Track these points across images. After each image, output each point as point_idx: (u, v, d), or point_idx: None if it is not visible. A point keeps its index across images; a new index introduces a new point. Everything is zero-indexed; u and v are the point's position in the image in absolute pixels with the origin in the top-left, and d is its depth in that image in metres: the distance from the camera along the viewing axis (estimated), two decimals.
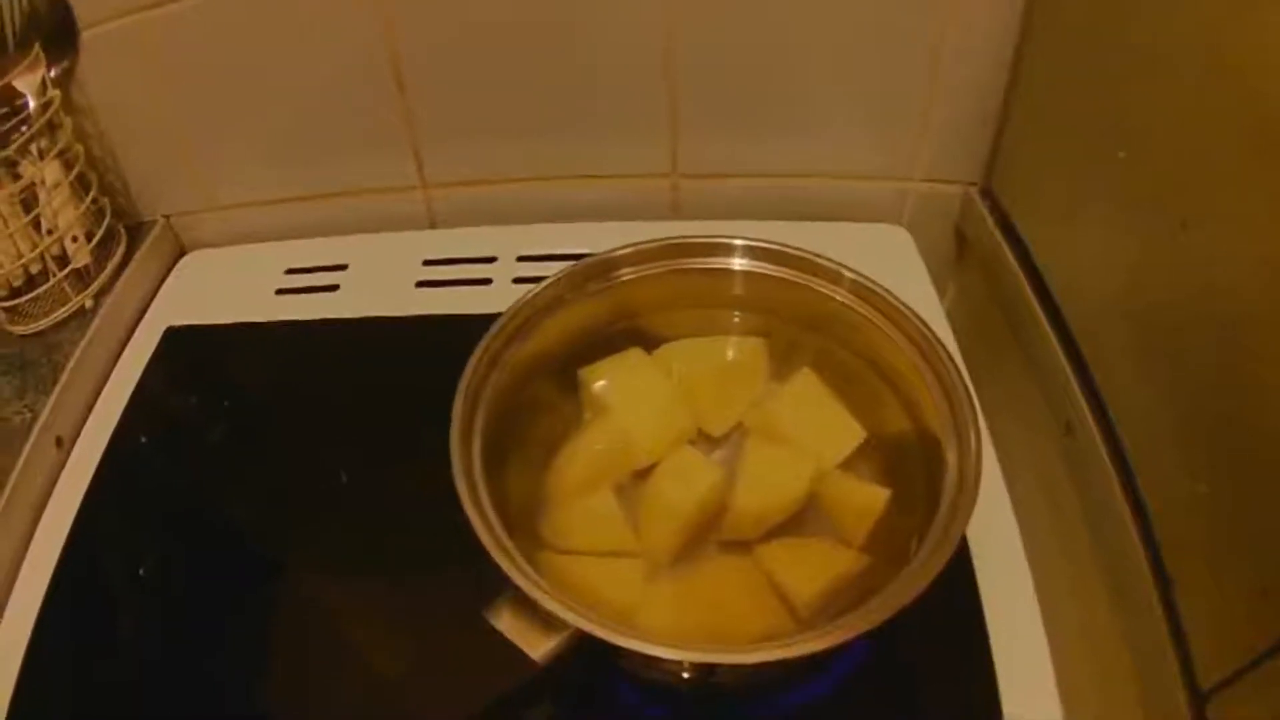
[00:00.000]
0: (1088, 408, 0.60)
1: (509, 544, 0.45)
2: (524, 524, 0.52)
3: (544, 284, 0.56)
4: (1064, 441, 0.63)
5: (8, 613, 0.62)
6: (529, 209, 0.80)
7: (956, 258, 0.82)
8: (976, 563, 0.55)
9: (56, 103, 0.76)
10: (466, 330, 0.55)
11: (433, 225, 0.84)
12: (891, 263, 0.73)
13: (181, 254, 0.86)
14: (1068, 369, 0.63)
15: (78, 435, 0.73)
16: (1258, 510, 0.45)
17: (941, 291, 0.79)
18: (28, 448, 0.70)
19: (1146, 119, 0.54)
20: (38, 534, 0.66)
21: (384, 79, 0.74)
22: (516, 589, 0.43)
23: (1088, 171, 0.62)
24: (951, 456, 0.49)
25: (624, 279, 0.57)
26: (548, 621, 0.43)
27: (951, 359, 0.51)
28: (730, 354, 0.59)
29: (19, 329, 0.79)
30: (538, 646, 0.43)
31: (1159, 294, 0.54)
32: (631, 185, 0.79)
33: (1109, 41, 0.58)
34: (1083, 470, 0.60)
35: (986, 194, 0.76)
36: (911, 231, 0.77)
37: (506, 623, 0.44)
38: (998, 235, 0.72)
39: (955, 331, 0.68)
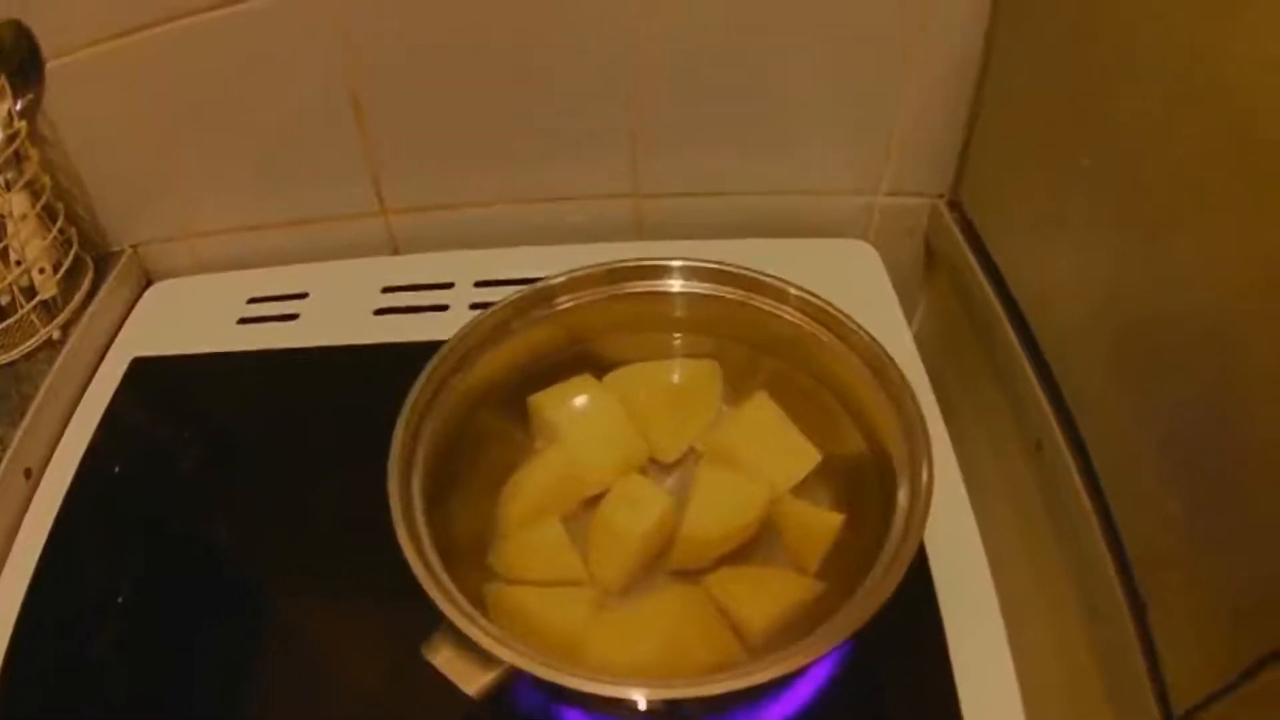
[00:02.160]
0: (1057, 424, 0.59)
1: (444, 577, 0.45)
2: (473, 555, 0.52)
3: (485, 313, 0.55)
4: (1034, 459, 0.62)
5: None
6: (492, 232, 0.80)
7: (926, 271, 0.82)
8: (939, 584, 0.54)
9: (23, 134, 0.76)
10: (423, 358, 0.55)
11: (395, 251, 0.84)
12: (857, 279, 0.72)
13: (148, 283, 0.86)
14: (1036, 384, 0.62)
15: (46, 466, 0.72)
16: (1232, 530, 0.45)
17: (912, 305, 0.79)
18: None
19: (1111, 128, 0.54)
20: (7, 566, 0.66)
21: (343, 107, 0.75)
22: (451, 624, 0.43)
23: (1054, 182, 0.62)
24: (904, 481, 0.48)
25: (568, 305, 0.56)
26: (484, 656, 0.42)
27: (904, 380, 0.51)
28: (681, 378, 0.58)
29: None
30: (474, 682, 0.43)
31: (1128, 307, 0.53)
32: (593, 206, 0.79)
33: (1074, 51, 0.58)
34: (1054, 489, 0.59)
35: (954, 206, 0.76)
36: (879, 246, 0.76)
37: (443, 658, 0.43)
38: (965, 248, 0.72)
39: (925, 346, 0.68)
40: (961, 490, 0.59)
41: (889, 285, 0.72)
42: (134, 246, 0.86)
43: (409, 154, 0.78)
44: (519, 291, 0.56)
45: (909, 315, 0.73)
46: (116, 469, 0.71)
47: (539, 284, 0.56)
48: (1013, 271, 0.67)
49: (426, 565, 0.44)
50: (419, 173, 0.79)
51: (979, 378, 0.71)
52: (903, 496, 0.47)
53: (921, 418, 0.49)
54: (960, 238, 0.73)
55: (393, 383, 0.54)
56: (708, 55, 0.70)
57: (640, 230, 0.80)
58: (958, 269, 0.73)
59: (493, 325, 0.55)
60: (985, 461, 0.66)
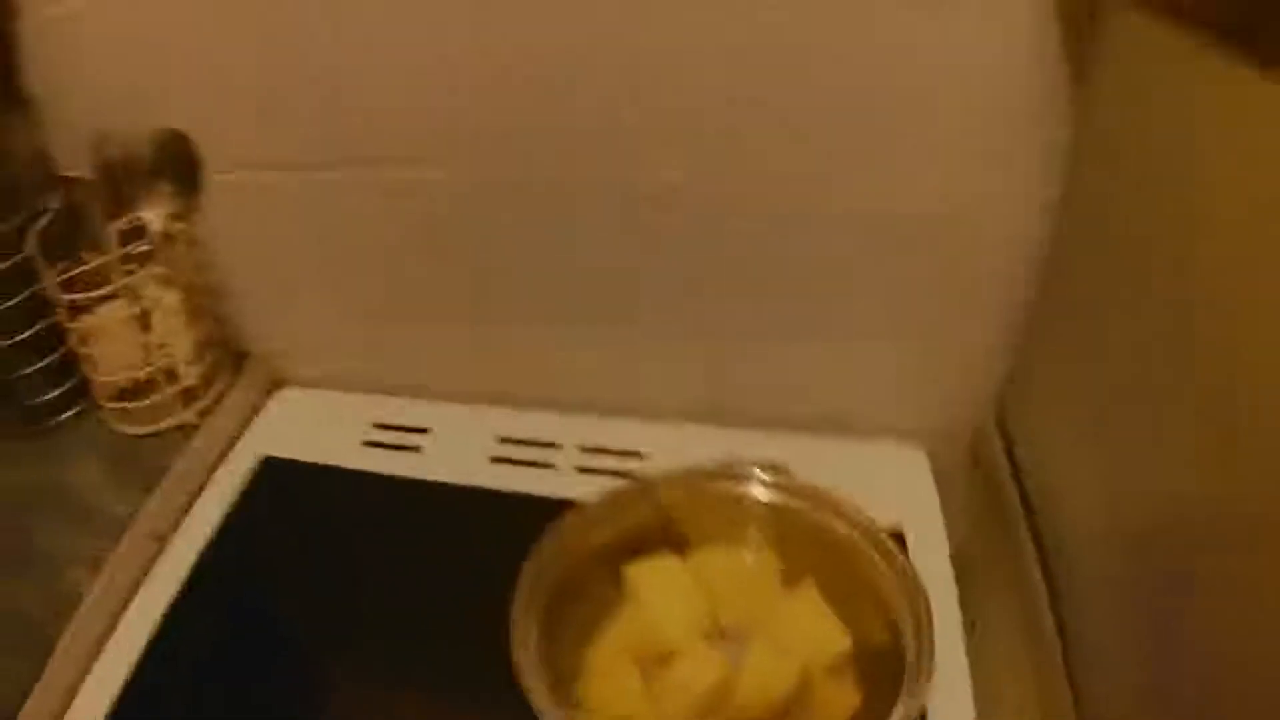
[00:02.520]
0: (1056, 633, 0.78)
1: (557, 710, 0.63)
2: (565, 688, 0.69)
3: (595, 499, 0.76)
4: (1034, 650, 0.80)
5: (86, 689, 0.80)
6: (591, 392, 0.96)
7: (971, 475, 0.96)
8: None
9: (178, 236, 0.94)
10: (532, 511, 0.74)
11: (507, 402, 0.98)
12: (904, 484, 0.89)
13: (279, 386, 1.04)
14: (1044, 595, 0.80)
15: (173, 537, 0.90)
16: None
17: (957, 505, 0.90)
18: (127, 539, 0.87)
19: (1139, 380, 0.69)
20: (124, 622, 0.84)
21: (459, 269, 0.92)
22: None
23: (1081, 419, 0.79)
24: (910, 675, 0.66)
25: (661, 494, 0.77)
26: None
27: (924, 597, 0.69)
28: (748, 562, 0.77)
29: (128, 429, 0.98)
30: None
31: (1131, 524, 0.70)
32: (667, 381, 0.95)
33: (1120, 303, 0.73)
34: (1049, 686, 0.77)
35: (1000, 421, 0.92)
36: (931, 448, 0.92)
37: None
38: (1003, 462, 0.89)
39: (965, 541, 0.84)
40: (966, 682, 0.74)
41: (934, 493, 0.88)
42: (269, 351, 1.03)
43: (514, 311, 0.93)
44: (623, 485, 0.77)
45: (956, 510, 0.87)
46: (239, 554, 0.88)
47: (640, 480, 0.77)
48: (1034, 487, 0.85)
49: (538, 691, 0.64)
50: (523, 336, 0.94)
51: (1004, 573, 0.87)
52: (907, 688, 0.65)
53: (932, 644, 0.66)
54: (1000, 451, 0.90)
55: (502, 529, 0.73)
56: (768, 255, 0.85)
57: (717, 412, 0.94)
58: (997, 479, 0.89)
59: (600, 506, 0.75)
60: (1005, 654, 0.83)
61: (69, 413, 1.04)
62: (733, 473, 0.77)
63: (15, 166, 1.00)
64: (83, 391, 1.04)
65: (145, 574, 0.88)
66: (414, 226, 0.91)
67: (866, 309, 0.87)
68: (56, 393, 1.03)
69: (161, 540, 0.90)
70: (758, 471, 0.76)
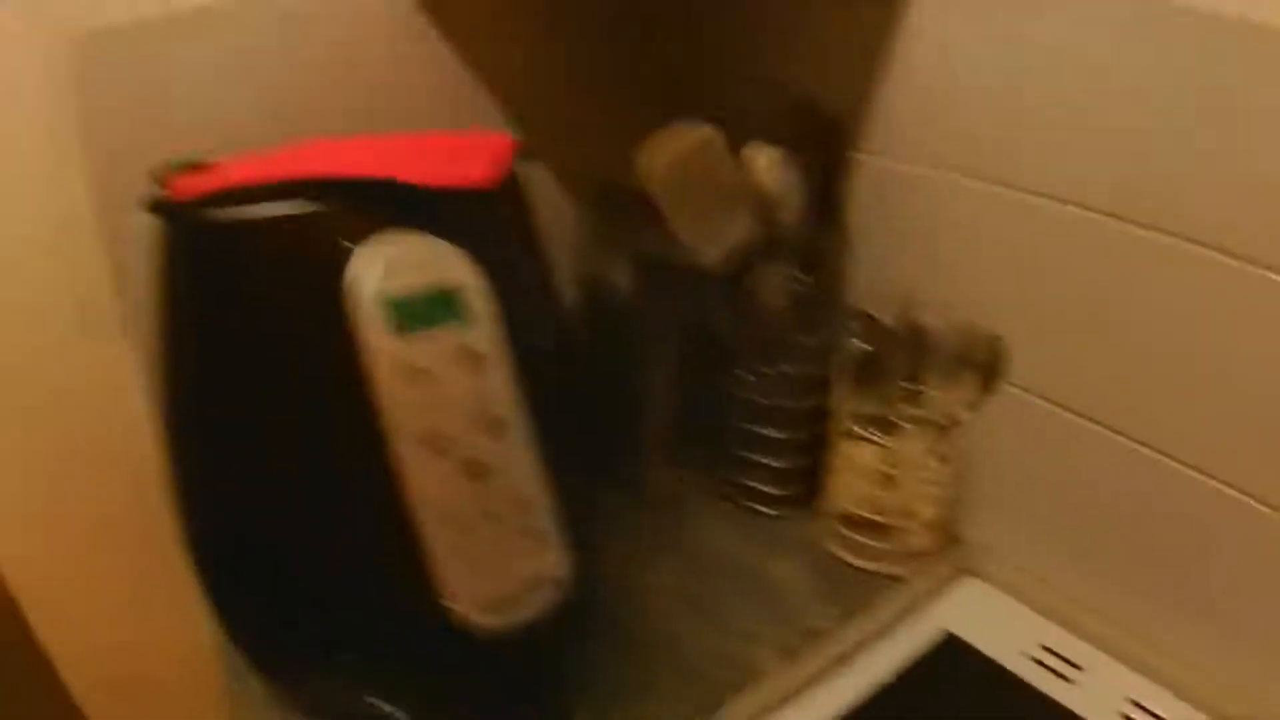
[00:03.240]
0: None
1: None
2: None
3: None
4: None
5: None
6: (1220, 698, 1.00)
7: None
8: None
9: (961, 422, 1.12)
10: None
11: (1147, 670, 1.05)
12: None
13: (968, 574, 1.20)
14: None
15: (851, 663, 1.08)
16: None
17: None
18: (819, 648, 1.08)
19: None
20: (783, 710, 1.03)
21: (1157, 554, 1.03)
22: None
23: None
24: None
25: None
26: None
27: None
28: None
29: (841, 553, 1.19)
30: None
31: None
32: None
33: None
34: None
35: None
36: None
37: None
38: None
39: None
40: None
41: None
42: (977, 543, 1.20)
43: (1188, 610, 1.02)
44: None
45: None
46: (899, 707, 1.04)
47: None
48: None
49: None
50: (1184, 621, 1.02)
51: None
52: None
53: None
54: None
55: None
56: None
57: None
58: None
59: None
60: None
61: (777, 511, 1.28)
62: None
63: (827, 287, 1.22)
64: (801, 501, 1.27)
65: (815, 684, 1.06)
66: (1137, 504, 1.03)
67: None
68: (780, 491, 1.27)
69: (842, 663, 1.09)
70: None
